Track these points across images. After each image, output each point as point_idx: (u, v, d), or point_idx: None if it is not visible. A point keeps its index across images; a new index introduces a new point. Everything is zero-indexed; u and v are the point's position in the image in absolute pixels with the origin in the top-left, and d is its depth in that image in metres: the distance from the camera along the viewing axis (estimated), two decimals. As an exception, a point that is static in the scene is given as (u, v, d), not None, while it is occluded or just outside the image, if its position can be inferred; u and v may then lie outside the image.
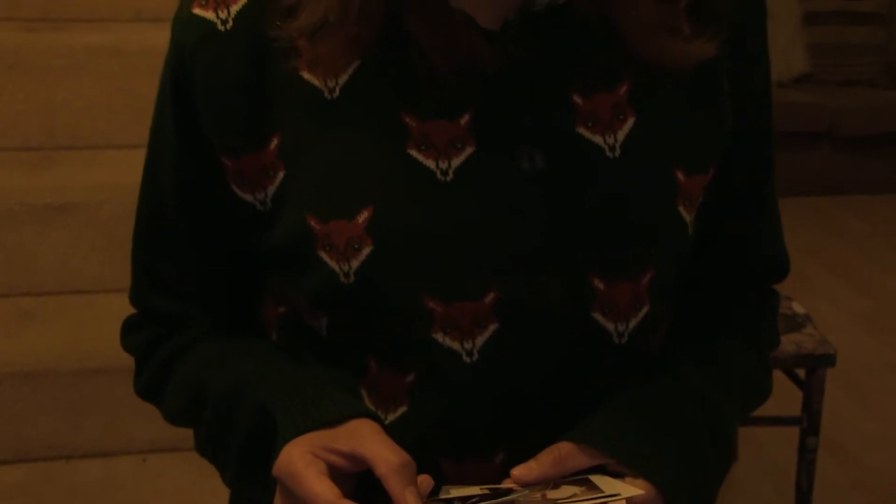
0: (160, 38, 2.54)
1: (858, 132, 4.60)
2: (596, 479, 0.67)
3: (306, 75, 0.70)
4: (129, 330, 0.84)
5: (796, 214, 4.07)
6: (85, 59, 2.39)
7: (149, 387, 0.82)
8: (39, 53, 2.38)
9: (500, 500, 0.66)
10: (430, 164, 0.69)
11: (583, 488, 0.66)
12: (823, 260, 3.93)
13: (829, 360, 2.10)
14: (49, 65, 2.38)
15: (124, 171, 2.29)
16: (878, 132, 4.61)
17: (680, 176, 0.73)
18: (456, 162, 0.69)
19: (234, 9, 0.70)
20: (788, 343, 2.08)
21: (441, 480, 0.69)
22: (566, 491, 0.66)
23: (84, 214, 2.18)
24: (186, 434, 0.82)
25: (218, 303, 0.80)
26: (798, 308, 2.27)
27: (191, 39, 0.71)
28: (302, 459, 0.64)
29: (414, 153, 0.69)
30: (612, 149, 0.70)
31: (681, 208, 0.73)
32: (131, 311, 0.84)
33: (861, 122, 4.59)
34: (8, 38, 2.41)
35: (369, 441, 0.64)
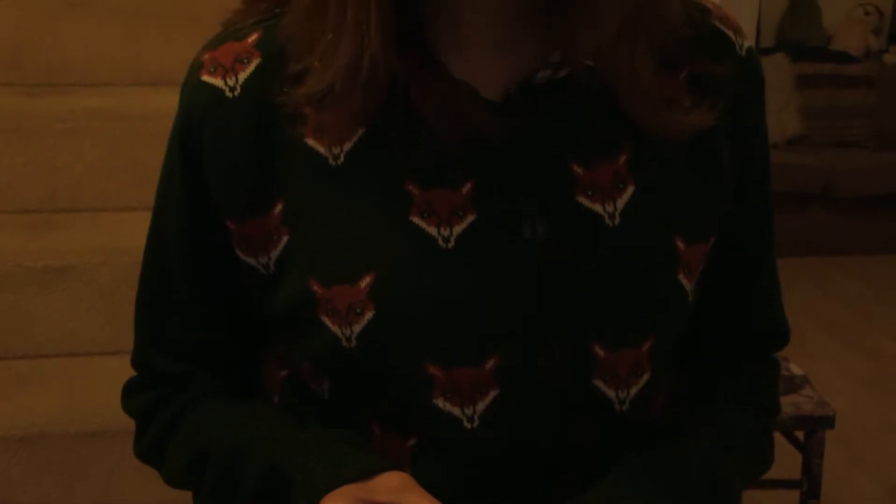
0: (160, 102, 2.58)
1: (852, 193, 4.64)
2: None
3: (311, 142, 0.71)
4: (131, 392, 0.84)
5: (792, 275, 4.08)
6: (86, 122, 2.42)
7: (150, 448, 0.82)
8: (41, 117, 2.40)
9: None
10: (433, 231, 0.69)
11: None
12: (820, 320, 3.93)
13: (828, 421, 2.09)
14: (50, 128, 2.40)
15: (124, 234, 2.30)
16: (872, 193, 4.65)
17: (680, 244, 0.73)
18: (458, 230, 0.69)
19: (242, 76, 0.72)
20: (787, 405, 2.08)
21: None
22: None
23: (82, 277, 2.18)
24: (185, 497, 0.81)
25: (221, 365, 0.81)
26: (796, 369, 2.26)
27: (199, 105, 0.72)
28: None
29: (416, 220, 0.69)
30: (612, 217, 0.71)
31: (681, 276, 0.74)
32: (129, 373, 0.84)
33: (855, 183, 4.63)
34: (10, 103, 2.44)
35: (409, 492, 0.64)
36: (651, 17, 0.69)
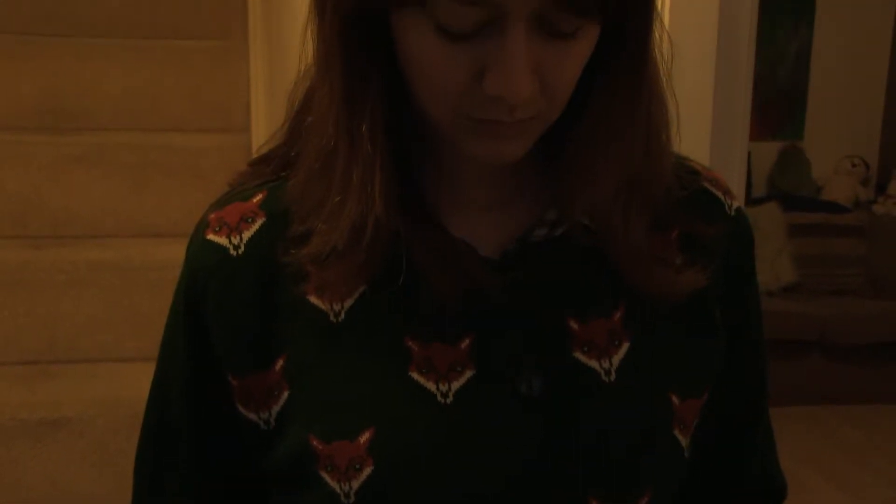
0: (163, 253, 2.62)
1: (850, 342, 4.64)
2: None
3: (313, 299, 0.72)
4: None
5: (791, 423, 4.04)
6: (87, 274, 2.44)
7: None
8: (43, 269, 2.43)
9: None
10: (431, 386, 0.70)
11: None
12: (820, 468, 3.87)
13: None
14: (52, 280, 2.43)
15: (121, 385, 2.30)
16: (870, 342, 4.65)
17: (675, 400, 0.74)
18: (456, 385, 0.70)
19: (247, 235, 0.74)
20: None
21: None
22: None
23: (77, 429, 2.17)
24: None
25: None
26: (800, 522, 2.22)
27: (204, 264, 0.74)
28: None
29: (415, 376, 0.70)
30: (608, 373, 0.72)
31: (676, 432, 0.74)
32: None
33: (852, 331, 4.63)
34: (14, 256, 2.47)
35: None
36: (645, 179, 0.72)
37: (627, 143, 0.69)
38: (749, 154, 4.68)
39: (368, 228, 0.67)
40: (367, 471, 0.69)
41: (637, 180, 0.71)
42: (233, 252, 0.73)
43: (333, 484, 0.70)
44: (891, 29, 5.24)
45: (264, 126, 2.73)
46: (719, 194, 0.79)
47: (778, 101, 5.20)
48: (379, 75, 0.67)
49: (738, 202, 0.81)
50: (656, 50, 0.70)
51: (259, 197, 0.75)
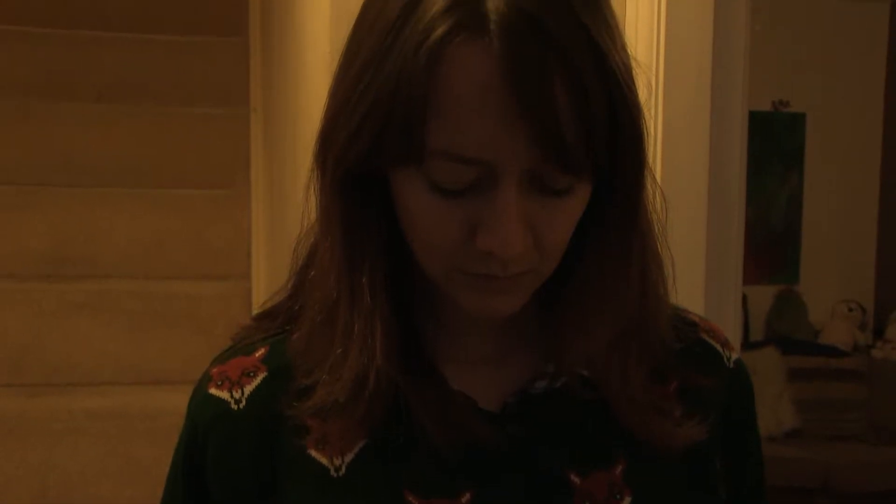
0: (161, 401, 2.61)
1: (854, 489, 4.55)
2: None
3: (314, 453, 0.72)
4: None
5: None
6: (84, 422, 2.43)
7: None
8: (39, 418, 2.42)
9: None
10: None
11: None
12: None
13: None
14: (47, 429, 2.41)
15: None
16: (874, 490, 4.57)
17: None
18: None
19: (248, 389, 0.74)
20: None
21: None
22: None
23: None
24: None
25: None
26: None
27: (205, 418, 0.75)
28: None
29: None
30: None
31: None
32: None
33: (856, 478, 4.56)
34: (10, 405, 2.46)
35: None
36: (642, 332, 0.73)
37: (621, 297, 0.71)
38: (745, 298, 4.73)
39: (370, 380, 0.68)
40: None
41: (634, 333, 0.73)
42: (234, 407, 0.74)
43: None
44: (878, 175, 5.36)
45: (265, 273, 2.76)
46: (717, 346, 0.80)
47: (772, 245, 5.27)
48: (378, 230, 0.69)
49: (737, 353, 0.82)
50: (649, 204, 0.72)
51: (261, 351, 0.76)
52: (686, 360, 0.77)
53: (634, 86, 0.66)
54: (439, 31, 0.61)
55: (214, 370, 0.77)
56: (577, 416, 0.74)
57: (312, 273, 0.74)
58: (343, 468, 0.72)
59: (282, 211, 2.42)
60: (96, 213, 2.93)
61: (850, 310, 5.19)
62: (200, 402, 0.76)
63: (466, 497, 0.71)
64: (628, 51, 0.66)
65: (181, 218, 2.99)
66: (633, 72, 0.66)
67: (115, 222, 2.94)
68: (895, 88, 5.32)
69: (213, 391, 0.75)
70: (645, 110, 0.68)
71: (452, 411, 0.71)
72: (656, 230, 0.73)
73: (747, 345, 4.87)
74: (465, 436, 0.70)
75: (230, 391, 0.74)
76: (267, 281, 2.66)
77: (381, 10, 0.65)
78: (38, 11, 3.24)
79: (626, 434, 0.73)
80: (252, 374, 0.75)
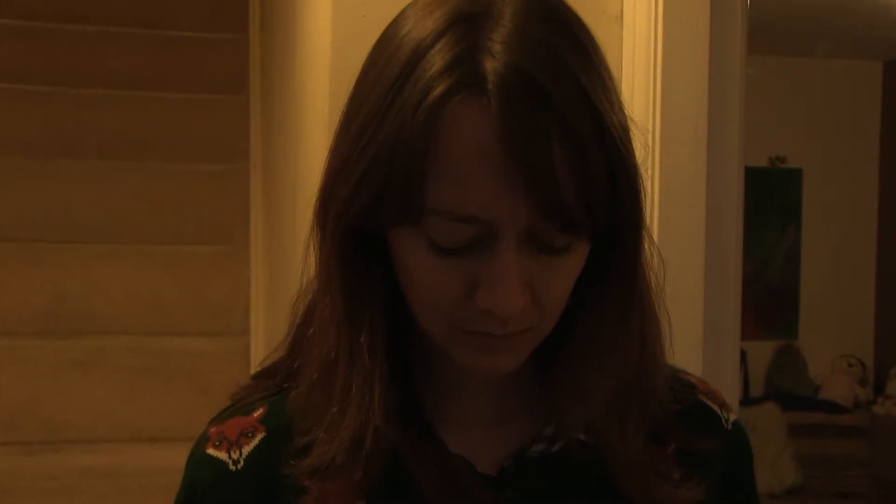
0: (156, 458, 2.58)
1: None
2: None
3: None
4: None
5: None
6: (79, 480, 2.41)
7: None
8: (34, 477, 2.40)
9: None
10: None
11: None
12: None
13: None
14: (42, 487, 2.39)
15: None
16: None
17: None
18: None
19: (247, 449, 0.74)
20: None
21: None
22: None
23: None
24: None
25: None
26: None
27: (203, 479, 0.74)
28: None
29: None
30: None
31: None
32: None
33: (860, 537, 4.52)
34: (5, 463, 2.44)
35: None
36: (639, 394, 0.73)
37: (619, 355, 0.71)
38: (745, 354, 4.72)
39: (367, 440, 0.68)
40: None
41: (631, 395, 0.72)
42: (232, 467, 0.73)
43: None
44: (875, 229, 5.38)
45: (263, 329, 2.75)
46: (715, 408, 0.80)
47: (771, 300, 5.27)
48: (378, 288, 0.69)
49: (735, 415, 0.81)
50: (646, 264, 0.72)
51: (260, 411, 0.76)
52: (684, 422, 0.76)
53: (632, 146, 0.66)
54: (438, 90, 0.61)
55: (212, 430, 0.76)
56: (574, 479, 0.73)
57: (311, 330, 0.74)
58: None
59: (281, 267, 2.43)
60: (95, 270, 2.94)
61: (850, 365, 5.18)
62: (198, 463, 0.75)
63: None
64: (625, 111, 0.67)
65: (180, 274, 2.99)
66: (631, 132, 0.67)
67: (114, 278, 2.94)
68: (890, 143, 5.36)
69: (210, 451, 0.75)
70: (642, 169, 0.68)
71: (450, 474, 0.70)
72: (653, 290, 0.73)
73: (747, 400, 4.84)
74: (463, 499, 0.70)
75: (228, 451, 0.74)
76: (266, 337, 2.65)
77: (382, 70, 0.65)
78: (41, 70, 3.28)
79: (624, 497, 0.73)
80: (250, 435, 0.74)
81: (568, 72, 0.62)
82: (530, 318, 0.66)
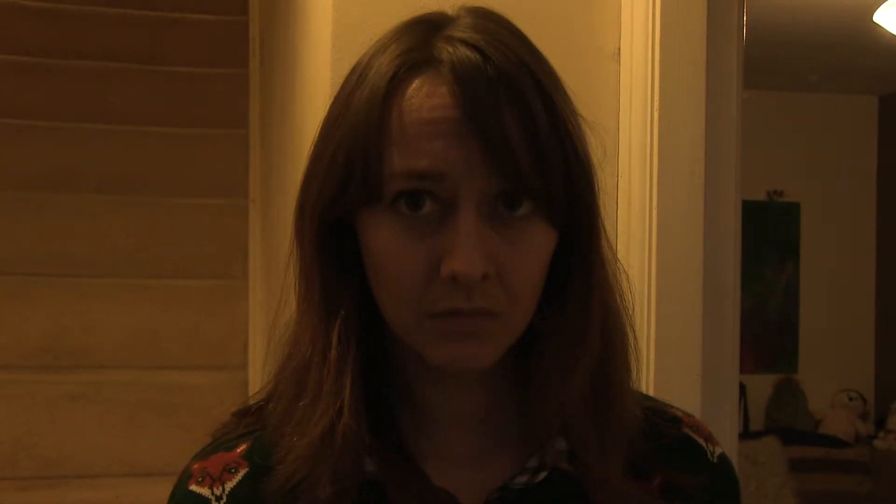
0: (153, 493, 2.56)
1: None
2: None
3: None
4: None
5: None
6: (75, 515, 2.39)
7: None
8: (30, 513, 2.38)
9: None
10: None
11: None
12: None
13: None
14: (38, 523, 2.37)
15: None
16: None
17: None
18: None
19: (229, 485, 0.74)
20: None
21: None
22: None
23: None
24: None
25: None
26: None
27: None
28: None
29: None
30: None
31: None
32: None
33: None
34: (1, 499, 2.43)
35: None
36: (612, 399, 0.73)
37: (585, 349, 0.71)
38: (744, 388, 4.71)
39: (338, 436, 0.68)
40: None
41: (608, 402, 0.73)
42: (215, 503, 0.73)
43: None
44: (874, 261, 5.39)
45: (262, 363, 2.75)
46: (701, 441, 0.80)
47: (770, 334, 5.27)
48: (353, 286, 0.71)
49: (721, 448, 0.81)
50: (608, 266, 0.73)
51: (243, 447, 0.76)
52: (669, 456, 0.76)
53: (586, 142, 0.70)
54: (392, 69, 0.67)
55: (195, 466, 0.76)
56: None
57: (289, 350, 0.75)
58: None
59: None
60: (93, 304, 2.93)
61: (851, 399, 5.17)
62: (181, 499, 0.75)
63: None
64: (579, 116, 0.71)
65: (178, 308, 2.98)
66: (585, 133, 0.71)
67: (112, 312, 2.94)
68: (886, 177, 5.39)
69: (193, 487, 0.74)
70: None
71: None
72: (618, 299, 0.74)
73: (747, 434, 4.82)
74: None
75: (211, 487, 0.74)
76: (264, 372, 2.64)
77: (345, 80, 0.71)
78: (42, 105, 3.29)
79: None
80: (234, 471, 0.74)
81: (520, 59, 0.67)
82: (497, 298, 0.67)
